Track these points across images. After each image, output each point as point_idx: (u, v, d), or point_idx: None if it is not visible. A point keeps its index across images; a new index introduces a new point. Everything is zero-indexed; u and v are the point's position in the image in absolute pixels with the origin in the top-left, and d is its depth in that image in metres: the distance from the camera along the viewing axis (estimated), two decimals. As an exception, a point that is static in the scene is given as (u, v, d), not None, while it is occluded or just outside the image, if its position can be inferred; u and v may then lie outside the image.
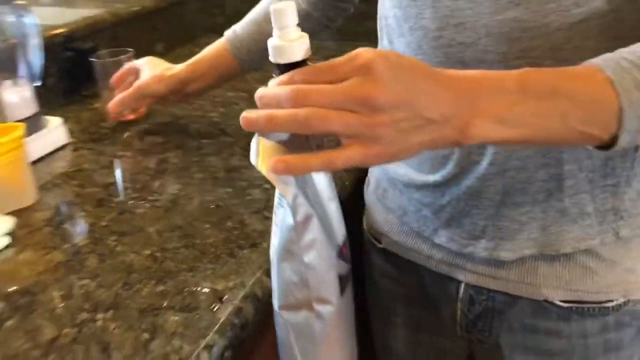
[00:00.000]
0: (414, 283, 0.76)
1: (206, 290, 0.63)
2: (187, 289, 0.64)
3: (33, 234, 0.75)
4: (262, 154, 0.44)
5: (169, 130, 1.04)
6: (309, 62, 0.46)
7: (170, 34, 1.52)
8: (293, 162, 0.43)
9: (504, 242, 0.65)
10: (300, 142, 0.45)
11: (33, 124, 0.94)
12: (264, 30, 0.92)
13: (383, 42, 0.70)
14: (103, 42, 1.24)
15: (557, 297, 0.66)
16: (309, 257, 0.49)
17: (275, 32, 0.46)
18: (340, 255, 0.53)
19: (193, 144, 0.98)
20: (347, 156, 0.43)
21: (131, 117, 1.06)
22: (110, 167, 0.93)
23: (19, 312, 0.62)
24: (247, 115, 0.44)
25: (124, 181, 0.88)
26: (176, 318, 0.59)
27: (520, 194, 0.63)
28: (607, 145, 0.48)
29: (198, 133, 1.02)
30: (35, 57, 0.97)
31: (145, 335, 0.57)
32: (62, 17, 1.26)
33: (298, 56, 0.45)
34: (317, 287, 0.51)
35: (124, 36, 1.36)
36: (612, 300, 0.66)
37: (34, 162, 0.92)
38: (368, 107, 0.42)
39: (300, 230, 0.48)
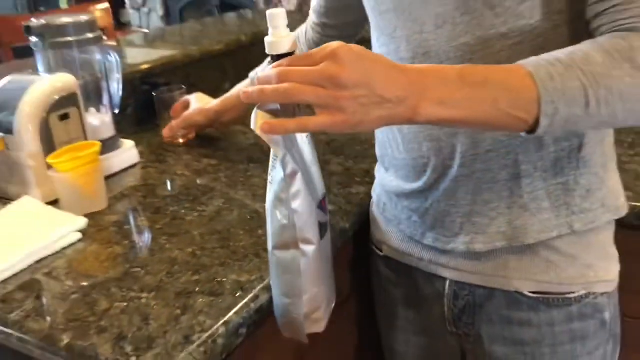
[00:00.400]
0: (410, 285, 0.87)
1: (232, 281, 0.76)
2: (217, 279, 0.76)
3: (101, 232, 0.91)
4: (258, 121, 0.57)
5: (223, 155, 1.19)
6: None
7: (236, 74, 1.69)
8: (275, 124, 0.57)
9: (478, 235, 0.75)
10: (286, 114, 0.58)
11: (110, 145, 1.12)
12: None
13: None
14: (176, 79, 1.43)
15: (526, 288, 0.76)
16: (296, 204, 0.62)
17: (270, 31, 0.60)
18: (320, 206, 0.66)
19: (242, 167, 1.13)
20: (317, 122, 0.56)
21: (182, 141, 1.27)
22: (170, 183, 1.09)
23: (83, 289, 0.76)
24: (245, 90, 0.57)
25: (179, 195, 1.03)
26: (204, 300, 0.72)
27: (487, 193, 0.73)
28: (533, 129, 0.59)
29: (248, 158, 1.17)
30: (116, 89, 1.16)
31: (178, 312, 0.70)
32: (145, 57, 1.47)
33: (286, 49, 0.59)
34: (302, 228, 0.63)
35: (195, 74, 1.54)
36: (574, 292, 0.76)
37: (110, 176, 1.09)
38: (334, 83, 0.54)
39: (288, 182, 0.61)
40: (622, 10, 0.60)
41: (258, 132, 0.57)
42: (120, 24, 4.84)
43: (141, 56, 1.51)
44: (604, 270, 0.78)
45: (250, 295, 0.73)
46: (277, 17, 0.59)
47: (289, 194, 0.62)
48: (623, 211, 0.78)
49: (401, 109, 0.56)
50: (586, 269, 0.76)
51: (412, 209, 0.81)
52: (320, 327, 0.71)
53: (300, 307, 0.67)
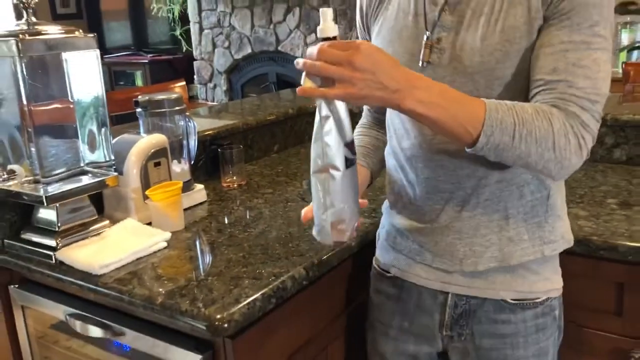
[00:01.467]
0: (413, 299, 1.13)
1: (267, 272, 1.12)
2: (258, 270, 1.13)
3: (179, 243, 1.30)
4: (304, 84, 0.81)
5: (268, 197, 1.58)
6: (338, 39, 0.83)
7: (284, 138, 2.11)
8: (306, 89, 0.81)
9: (477, 259, 1.04)
10: (325, 81, 0.81)
11: (186, 186, 1.52)
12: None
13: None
14: (236, 141, 1.85)
15: (508, 297, 1.06)
16: (327, 139, 0.84)
17: (321, 22, 0.83)
18: (348, 145, 0.86)
19: (281, 205, 1.51)
20: (335, 91, 0.80)
21: (236, 185, 1.63)
22: (228, 215, 1.47)
23: (168, 274, 1.14)
24: (298, 60, 0.82)
25: (234, 222, 1.41)
26: (249, 282, 1.09)
27: (484, 229, 1.03)
28: (474, 143, 0.85)
29: (286, 199, 1.55)
30: (192, 147, 1.58)
31: (231, 287, 1.07)
32: (212, 124, 1.90)
33: (330, 34, 0.82)
34: (332, 158, 0.85)
35: (252, 138, 1.97)
36: (539, 298, 1.06)
37: (186, 209, 1.49)
38: (351, 66, 0.78)
39: (322, 123, 0.83)
40: (549, 91, 0.90)
41: (299, 92, 0.82)
42: (189, 97, 5.45)
43: (208, 124, 1.94)
44: (556, 281, 1.09)
45: (278, 281, 1.09)
46: (326, 13, 0.83)
47: (322, 132, 0.84)
48: (572, 242, 1.10)
49: (394, 96, 0.81)
50: (546, 281, 1.07)
51: (422, 242, 1.08)
52: (344, 237, 0.91)
53: (328, 217, 0.88)
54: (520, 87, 0.94)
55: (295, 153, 2.08)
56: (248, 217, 1.45)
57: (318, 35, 0.84)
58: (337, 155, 0.85)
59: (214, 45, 5.16)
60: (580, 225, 1.27)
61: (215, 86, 5.35)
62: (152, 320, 1.11)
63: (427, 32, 1.00)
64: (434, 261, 1.08)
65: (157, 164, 1.43)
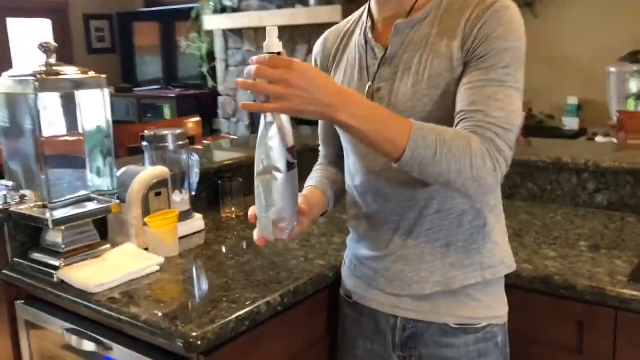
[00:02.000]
0: (371, 323, 1.24)
1: (246, 296, 1.22)
2: (236, 295, 1.23)
3: (172, 267, 1.40)
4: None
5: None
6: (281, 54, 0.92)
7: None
8: (247, 105, 0.91)
9: (424, 284, 1.14)
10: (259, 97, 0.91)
11: (185, 215, 1.64)
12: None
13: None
14: (240, 174, 1.96)
15: (451, 321, 1.15)
16: (271, 143, 0.93)
17: (267, 39, 0.91)
18: (289, 150, 0.95)
19: (272, 236, 1.60)
20: (271, 106, 0.90)
21: (234, 216, 1.74)
22: (221, 243, 1.58)
23: (156, 294, 1.25)
24: (237, 79, 0.92)
25: (227, 251, 1.52)
26: (226, 305, 1.18)
27: (429, 256, 1.13)
28: (400, 157, 0.94)
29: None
30: (194, 179, 1.70)
31: (209, 309, 1.16)
32: (223, 157, 2.02)
33: (275, 50, 0.91)
34: (274, 160, 0.93)
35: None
36: (480, 324, 1.15)
37: (183, 236, 1.60)
38: (286, 83, 0.87)
39: (267, 128, 0.93)
40: (468, 120, 1.00)
41: (241, 107, 0.95)
42: (213, 131, 5.64)
43: (220, 157, 2.06)
44: (498, 310, 1.17)
45: (254, 305, 1.18)
46: (271, 30, 0.92)
47: (267, 136, 0.93)
48: (513, 267, 1.19)
49: (328, 110, 0.92)
50: (487, 308, 1.15)
51: (376, 269, 1.19)
52: (283, 235, 1.02)
53: (270, 215, 0.98)
54: (448, 127, 1.05)
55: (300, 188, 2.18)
56: (239, 246, 1.55)
57: (264, 50, 0.92)
58: (280, 159, 0.94)
59: (239, 82, 5.36)
60: (547, 265, 1.34)
61: (238, 121, 5.53)
62: (138, 337, 1.21)
63: (369, 83, 1.14)
64: (387, 286, 1.18)
65: (158, 194, 1.55)
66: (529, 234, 1.56)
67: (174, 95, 5.89)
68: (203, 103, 5.78)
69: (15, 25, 6.27)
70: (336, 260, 1.41)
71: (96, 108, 1.44)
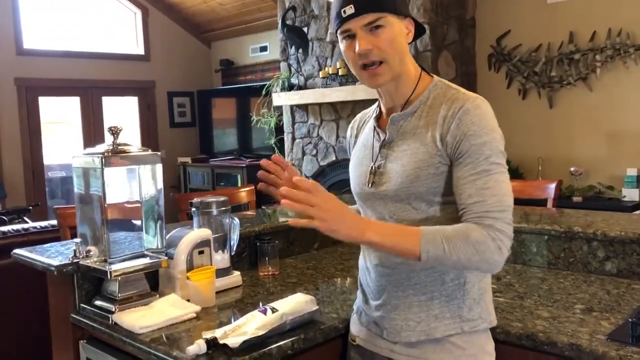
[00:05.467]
0: None
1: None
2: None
3: (207, 315, 1.64)
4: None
5: (291, 286, 1.89)
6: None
7: (324, 237, 2.44)
8: (295, 222, 1.17)
9: (411, 332, 1.33)
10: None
11: (225, 272, 1.88)
12: None
13: None
14: (279, 237, 2.20)
15: None
16: None
17: None
18: None
19: (297, 290, 1.81)
20: (314, 223, 1.14)
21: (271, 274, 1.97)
22: (254, 297, 1.80)
23: (187, 337, 1.47)
24: (284, 202, 1.16)
25: (256, 302, 1.74)
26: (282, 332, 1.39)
27: (416, 308, 1.32)
28: (419, 259, 1.19)
29: (304, 287, 1.85)
30: (234, 241, 1.95)
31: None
32: (259, 222, 2.27)
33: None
34: None
35: (294, 235, 2.31)
36: None
37: (223, 290, 1.83)
38: (320, 207, 1.15)
39: None
40: (469, 212, 1.22)
41: (290, 223, 1.21)
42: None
43: (263, 221, 2.32)
44: (481, 359, 1.32)
45: (266, 348, 1.38)
46: None
47: None
48: (493, 323, 1.35)
49: (355, 232, 1.20)
50: (471, 356, 1.31)
51: (374, 317, 1.41)
52: None
53: None
54: (432, 200, 1.29)
55: (332, 251, 2.39)
56: (267, 299, 1.77)
57: None
58: None
59: (303, 153, 5.71)
60: (536, 324, 1.47)
61: (302, 189, 5.82)
62: (170, 371, 1.44)
63: (373, 162, 1.38)
64: (383, 332, 1.37)
65: (201, 252, 1.81)
66: (532, 297, 1.69)
67: (244, 165, 6.31)
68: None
69: (108, 103, 6.99)
70: (347, 314, 1.59)
71: (152, 180, 1.74)
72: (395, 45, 1.30)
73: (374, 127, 1.41)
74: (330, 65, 5.28)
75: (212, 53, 7.77)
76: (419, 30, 1.37)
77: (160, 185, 1.75)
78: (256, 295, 1.83)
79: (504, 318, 1.51)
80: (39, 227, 3.04)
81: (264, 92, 5.83)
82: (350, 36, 1.30)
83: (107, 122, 6.91)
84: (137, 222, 1.74)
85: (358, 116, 1.55)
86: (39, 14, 6.43)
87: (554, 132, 4.63)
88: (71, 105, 6.73)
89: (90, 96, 6.82)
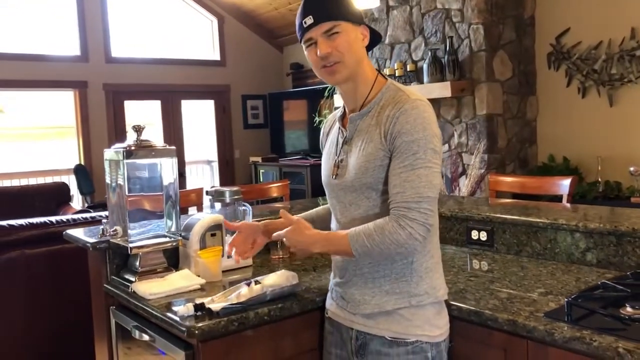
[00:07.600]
0: (338, 334, 1.63)
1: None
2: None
3: (211, 287, 1.89)
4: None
5: (295, 267, 2.11)
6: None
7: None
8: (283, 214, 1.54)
9: (367, 305, 1.53)
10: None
11: (236, 253, 2.13)
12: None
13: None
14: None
15: (387, 335, 1.51)
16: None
17: None
18: None
19: (296, 270, 2.03)
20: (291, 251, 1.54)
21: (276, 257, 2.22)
22: (256, 275, 2.04)
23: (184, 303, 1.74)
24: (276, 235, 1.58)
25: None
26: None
27: (370, 284, 1.52)
28: (354, 255, 1.43)
29: (304, 269, 2.07)
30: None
31: (214, 314, 1.63)
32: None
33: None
34: None
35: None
36: (409, 339, 1.49)
37: (233, 269, 2.09)
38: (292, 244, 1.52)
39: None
40: (392, 201, 1.42)
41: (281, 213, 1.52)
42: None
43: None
44: (428, 330, 1.50)
45: (244, 313, 1.62)
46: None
47: None
48: (442, 298, 1.52)
49: (308, 250, 1.53)
50: (417, 327, 1.49)
51: (340, 292, 1.61)
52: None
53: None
54: (380, 189, 1.48)
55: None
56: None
57: None
58: None
59: (363, 152, 5.91)
60: (488, 302, 1.61)
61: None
62: (167, 329, 1.70)
63: (337, 156, 1.58)
64: (347, 306, 1.58)
65: (213, 234, 2.08)
66: (502, 282, 1.82)
67: (308, 164, 6.60)
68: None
69: (187, 106, 7.52)
70: (320, 287, 1.80)
71: (169, 172, 2.02)
72: (351, 48, 1.51)
73: (339, 126, 1.62)
74: (389, 67, 5.44)
75: (283, 57, 8.13)
76: (375, 38, 1.56)
77: (175, 176, 2.03)
78: (261, 274, 2.07)
79: (464, 297, 1.66)
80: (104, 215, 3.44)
81: (326, 94, 6.08)
82: (313, 44, 1.52)
83: (186, 124, 7.44)
84: (159, 208, 2.03)
85: (330, 117, 1.76)
86: (124, 25, 7.03)
87: (614, 130, 4.55)
88: (153, 108, 7.30)
89: (170, 100, 7.37)
